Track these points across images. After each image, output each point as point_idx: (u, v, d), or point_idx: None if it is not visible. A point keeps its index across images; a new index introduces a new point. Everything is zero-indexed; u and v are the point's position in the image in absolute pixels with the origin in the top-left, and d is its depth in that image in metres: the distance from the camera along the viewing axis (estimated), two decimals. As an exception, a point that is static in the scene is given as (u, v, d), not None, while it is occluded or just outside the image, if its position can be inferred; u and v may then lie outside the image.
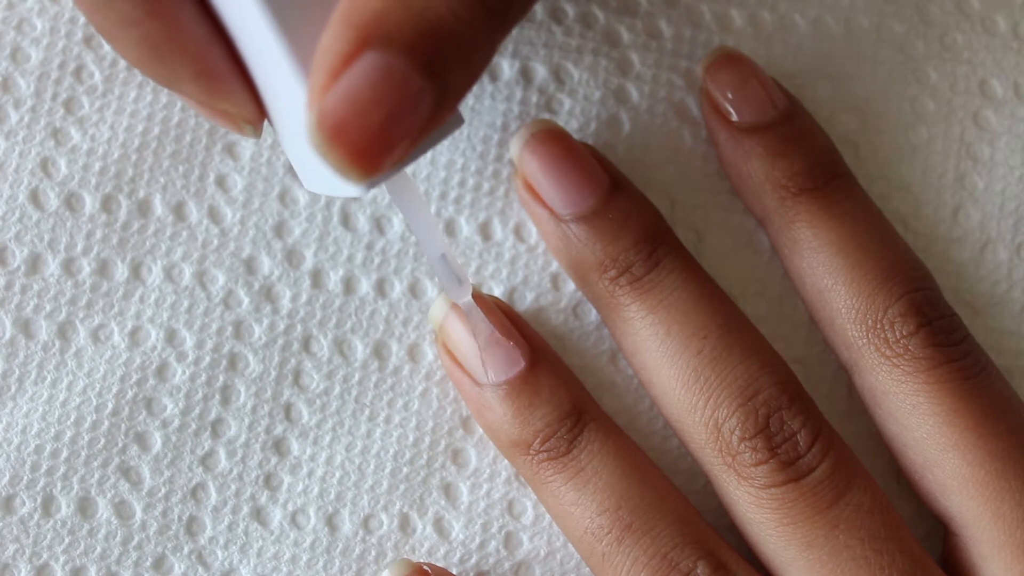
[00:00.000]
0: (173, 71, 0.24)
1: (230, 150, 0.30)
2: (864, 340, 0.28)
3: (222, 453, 0.29)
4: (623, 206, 0.29)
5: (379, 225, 0.30)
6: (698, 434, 0.28)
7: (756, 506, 0.27)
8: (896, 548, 0.26)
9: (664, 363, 0.28)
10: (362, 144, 0.20)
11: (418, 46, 0.20)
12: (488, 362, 0.28)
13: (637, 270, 0.28)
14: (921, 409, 0.27)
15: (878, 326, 0.28)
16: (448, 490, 0.29)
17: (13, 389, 0.29)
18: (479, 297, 0.29)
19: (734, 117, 0.30)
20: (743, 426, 0.27)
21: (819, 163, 0.29)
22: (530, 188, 0.29)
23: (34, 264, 0.29)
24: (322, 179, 0.25)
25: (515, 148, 0.30)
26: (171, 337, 0.29)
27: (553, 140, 0.29)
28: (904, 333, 0.28)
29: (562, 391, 0.28)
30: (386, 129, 0.20)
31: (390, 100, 0.20)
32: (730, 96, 0.30)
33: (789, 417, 0.27)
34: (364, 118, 0.20)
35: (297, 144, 0.24)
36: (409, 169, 0.30)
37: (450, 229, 0.30)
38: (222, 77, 0.24)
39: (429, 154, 0.31)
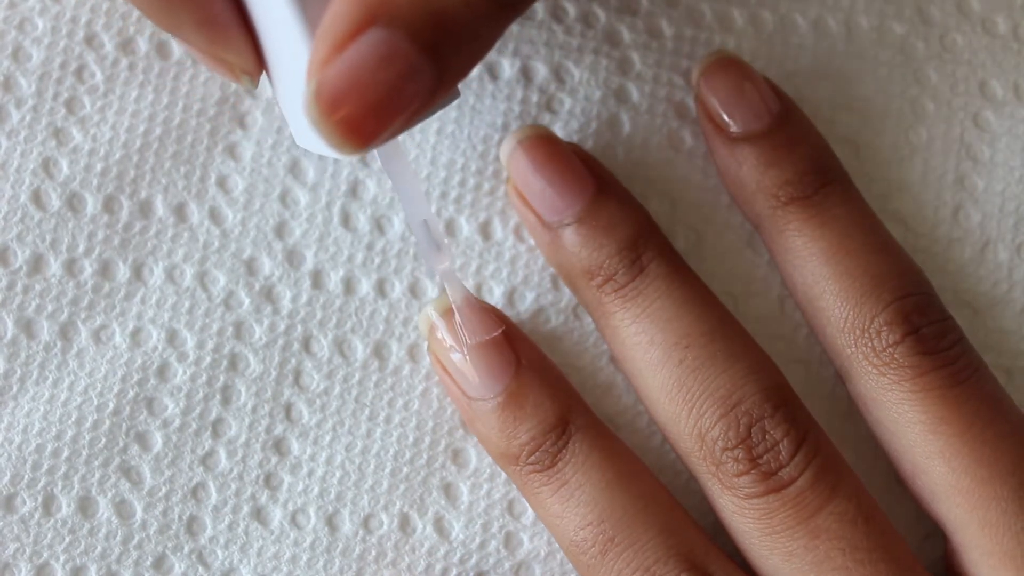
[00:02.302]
0: (177, 17, 0.24)
1: (231, 151, 0.30)
2: (852, 349, 0.28)
3: (222, 453, 0.29)
4: (608, 211, 0.29)
5: (379, 225, 0.30)
6: (683, 443, 0.28)
7: (739, 515, 0.27)
8: (879, 558, 0.26)
9: (648, 372, 0.28)
10: (357, 119, 0.20)
11: (423, 27, 0.20)
12: (466, 327, 0.28)
13: (621, 278, 0.28)
14: (907, 417, 0.27)
15: (865, 335, 0.28)
16: (448, 490, 0.29)
17: (15, 389, 0.29)
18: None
19: (730, 127, 0.30)
20: (725, 436, 0.27)
21: (810, 171, 0.29)
22: (520, 194, 0.29)
23: (36, 264, 0.30)
24: (315, 139, 0.25)
25: (504, 155, 0.30)
26: (172, 337, 0.30)
27: (539, 147, 0.29)
28: (890, 342, 0.27)
29: (547, 403, 0.28)
30: (382, 106, 0.20)
31: (389, 78, 0.20)
32: (723, 104, 0.30)
33: (772, 426, 0.27)
34: (362, 94, 0.20)
35: (293, 102, 0.24)
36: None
37: (450, 229, 0.31)
38: (224, 26, 0.24)
39: (429, 154, 0.31)
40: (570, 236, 0.29)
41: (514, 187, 0.30)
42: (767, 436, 0.27)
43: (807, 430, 0.27)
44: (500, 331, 0.28)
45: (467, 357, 0.28)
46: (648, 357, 0.28)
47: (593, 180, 0.29)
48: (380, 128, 0.21)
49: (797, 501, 0.26)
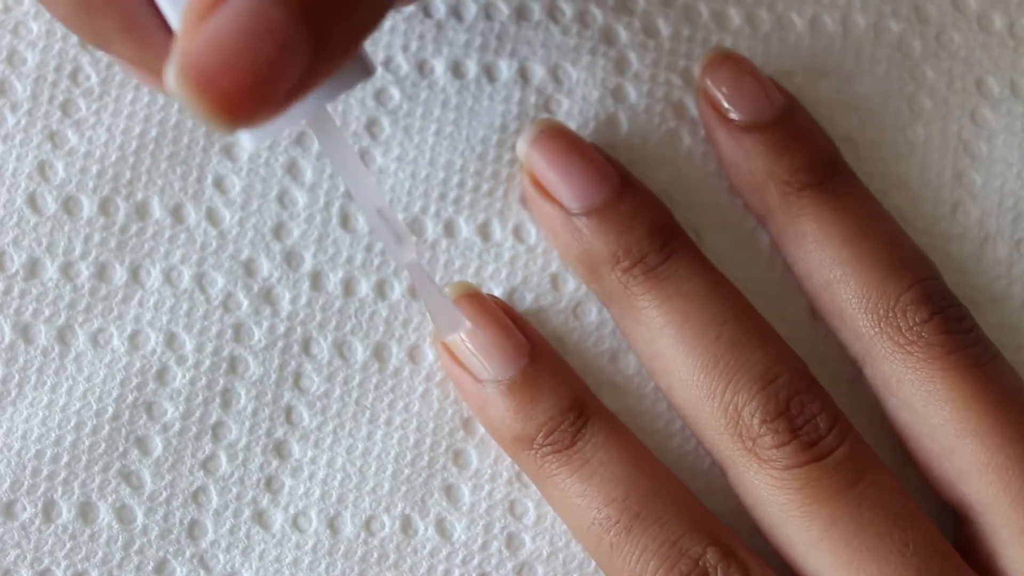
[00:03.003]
0: (101, 27, 0.23)
1: (228, 152, 0.30)
2: (876, 329, 0.28)
3: (223, 456, 0.29)
4: (634, 200, 0.29)
5: (378, 226, 0.30)
6: (716, 420, 0.28)
7: (778, 488, 0.27)
8: (917, 526, 0.27)
9: (682, 350, 0.28)
10: (227, 92, 0.19)
11: None
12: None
13: (651, 260, 0.28)
14: (937, 396, 0.27)
15: (890, 314, 0.28)
16: (450, 491, 0.29)
17: (13, 394, 0.29)
18: (478, 295, 0.29)
19: (733, 115, 0.30)
20: (764, 408, 0.27)
21: (821, 159, 0.29)
22: (538, 185, 0.29)
23: (32, 268, 0.29)
24: None
25: (522, 146, 0.30)
26: (171, 340, 0.29)
27: (562, 136, 0.29)
28: (917, 320, 0.28)
29: (563, 386, 0.28)
30: (255, 79, 0.19)
31: (259, 48, 0.19)
32: (729, 94, 0.30)
33: (808, 400, 0.27)
34: (230, 64, 0.19)
35: None
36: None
37: (450, 229, 0.30)
38: (150, 32, 0.23)
39: (428, 155, 0.31)
40: (595, 222, 0.29)
41: (532, 179, 0.30)
42: (805, 409, 0.27)
43: (837, 409, 0.28)
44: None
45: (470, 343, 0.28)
46: (682, 335, 0.28)
47: (616, 170, 0.29)
48: (256, 104, 0.19)
49: (839, 469, 0.27)
